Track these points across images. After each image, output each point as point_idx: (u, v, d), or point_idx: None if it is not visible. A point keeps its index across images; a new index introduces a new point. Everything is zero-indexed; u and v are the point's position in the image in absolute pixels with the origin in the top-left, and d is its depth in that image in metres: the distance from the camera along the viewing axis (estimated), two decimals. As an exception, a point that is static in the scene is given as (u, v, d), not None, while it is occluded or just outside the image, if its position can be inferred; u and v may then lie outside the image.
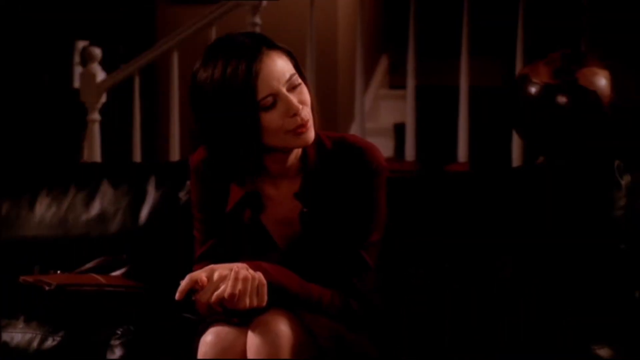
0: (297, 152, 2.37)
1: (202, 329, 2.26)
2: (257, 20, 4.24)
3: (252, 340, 2.20)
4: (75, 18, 4.94)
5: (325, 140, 2.39)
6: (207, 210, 2.43)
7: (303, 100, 2.29)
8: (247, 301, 2.18)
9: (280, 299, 2.25)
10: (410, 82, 4.16)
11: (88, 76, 4.44)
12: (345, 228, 2.37)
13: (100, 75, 4.46)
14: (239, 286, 2.17)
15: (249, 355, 2.20)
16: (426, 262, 2.85)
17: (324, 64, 4.79)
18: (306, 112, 2.29)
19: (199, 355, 2.23)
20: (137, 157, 4.41)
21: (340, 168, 2.38)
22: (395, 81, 5.51)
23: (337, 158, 2.38)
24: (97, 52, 4.47)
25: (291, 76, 2.28)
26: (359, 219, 2.38)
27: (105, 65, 4.55)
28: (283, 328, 2.19)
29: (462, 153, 4.07)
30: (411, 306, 2.76)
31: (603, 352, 2.50)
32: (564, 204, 2.84)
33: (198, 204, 2.45)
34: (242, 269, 2.19)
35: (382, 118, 5.43)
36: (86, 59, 4.50)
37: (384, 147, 5.15)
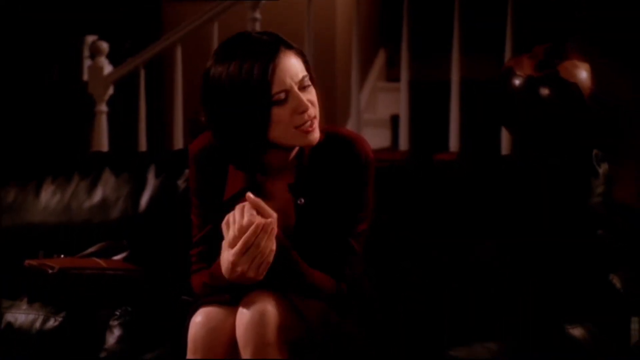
0: (295, 148, 2.40)
1: (192, 310, 2.29)
2: (257, 15, 4.26)
3: (240, 320, 2.22)
4: (86, 14, 4.98)
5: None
6: (205, 197, 2.44)
7: (311, 101, 2.32)
8: (247, 267, 2.19)
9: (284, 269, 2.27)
10: (404, 76, 4.18)
11: (95, 69, 4.47)
12: (336, 217, 2.39)
13: (107, 69, 4.48)
14: (256, 243, 2.19)
15: (238, 334, 2.22)
16: (412, 247, 2.88)
17: (323, 58, 4.80)
18: (313, 111, 2.32)
19: (190, 335, 2.25)
20: (143, 146, 4.43)
21: (331, 160, 2.40)
22: (393, 74, 5.51)
23: (329, 150, 2.40)
24: (105, 46, 4.50)
25: (303, 77, 2.31)
26: (348, 209, 2.40)
27: (114, 59, 4.58)
28: (270, 308, 2.21)
29: (454, 143, 4.08)
30: (399, 292, 2.79)
31: (576, 332, 2.52)
32: (545, 191, 2.86)
33: (196, 190, 2.46)
34: (273, 229, 2.21)
35: (379, 109, 5.45)
36: (94, 53, 4.53)
37: (382, 138, 5.19)
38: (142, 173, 3.22)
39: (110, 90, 4.49)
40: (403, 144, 4.17)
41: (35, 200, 3.29)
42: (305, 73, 2.32)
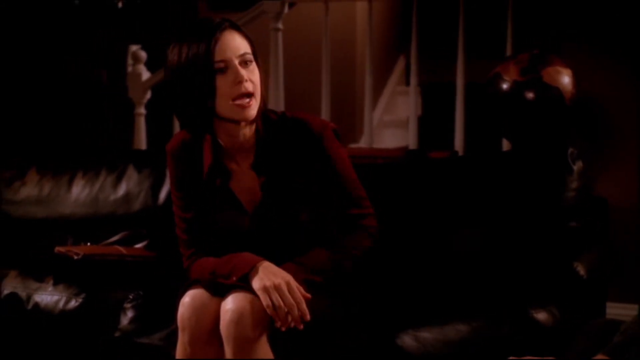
0: (246, 128, 2.44)
1: (181, 293, 2.35)
2: (279, 25, 4.29)
3: (223, 317, 2.27)
4: (131, 25, 5.10)
5: (271, 114, 2.49)
6: (184, 187, 2.51)
7: (250, 77, 2.38)
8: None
9: None
10: (413, 81, 4.20)
11: (134, 75, 4.56)
12: (300, 191, 2.43)
13: (145, 75, 4.57)
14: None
15: (221, 328, 2.27)
16: (396, 236, 2.91)
17: (343, 64, 4.83)
18: (250, 86, 2.37)
19: (178, 314, 2.31)
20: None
21: (287, 137, 2.45)
22: (412, 79, 5.51)
23: (283, 128, 2.46)
24: (143, 54, 4.59)
25: (245, 53, 2.38)
26: (328, 183, 2.44)
27: (157, 66, 4.66)
28: (248, 307, 2.25)
29: (459, 143, 4.09)
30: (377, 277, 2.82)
31: (540, 315, 2.54)
32: (524, 185, 2.88)
33: (176, 183, 2.53)
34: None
35: (399, 111, 5.46)
36: (134, 61, 4.62)
37: (400, 137, 5.20)
38: (162, 169, 3.30)
39: (148, 95, 4.58)
40: (412, 143, 4.20)
41: (67, 194, 3.39)
42: (248, 51, 2.38)
